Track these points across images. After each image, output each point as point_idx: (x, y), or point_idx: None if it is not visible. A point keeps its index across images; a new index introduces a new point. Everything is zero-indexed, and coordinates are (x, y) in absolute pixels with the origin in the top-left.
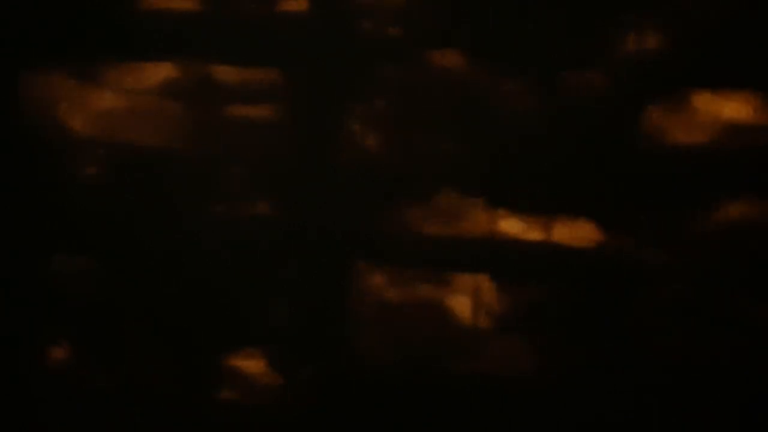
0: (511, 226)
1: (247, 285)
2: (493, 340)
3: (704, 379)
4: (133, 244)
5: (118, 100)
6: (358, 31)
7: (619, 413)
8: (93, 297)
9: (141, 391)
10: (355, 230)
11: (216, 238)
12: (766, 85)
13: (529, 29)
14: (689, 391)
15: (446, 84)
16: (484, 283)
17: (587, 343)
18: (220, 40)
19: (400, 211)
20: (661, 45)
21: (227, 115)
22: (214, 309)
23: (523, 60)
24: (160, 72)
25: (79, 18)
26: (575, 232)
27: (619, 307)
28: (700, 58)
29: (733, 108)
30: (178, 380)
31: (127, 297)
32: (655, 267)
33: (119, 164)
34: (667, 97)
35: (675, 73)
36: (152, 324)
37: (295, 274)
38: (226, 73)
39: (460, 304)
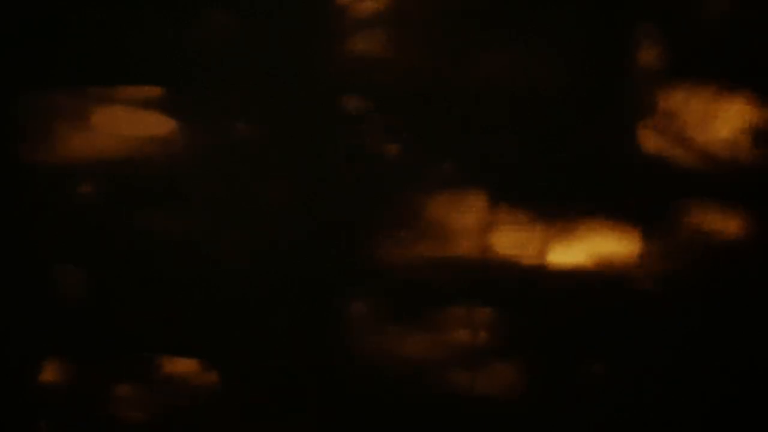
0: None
1: (245, 298)
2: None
3: (692, 401)
4: (130, 263)
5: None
6: None
7: None
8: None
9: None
10: (347, 252)
11: (214, 255)
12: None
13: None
14: (678, 411)
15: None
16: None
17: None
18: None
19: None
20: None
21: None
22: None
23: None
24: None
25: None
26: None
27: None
28: None
29: None
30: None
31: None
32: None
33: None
34: None
35: None
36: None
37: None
38: None
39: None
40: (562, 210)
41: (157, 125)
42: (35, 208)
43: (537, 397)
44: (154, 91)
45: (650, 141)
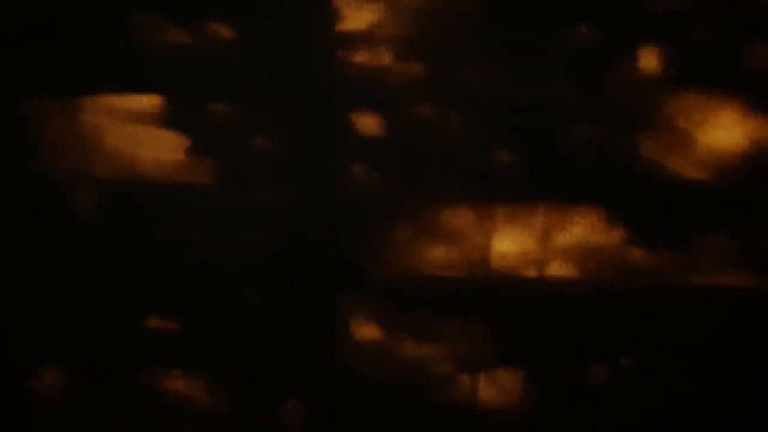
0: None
1: (242, 311)
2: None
3: (696, 406)
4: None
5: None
6: None
7: None
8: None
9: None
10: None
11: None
12: None
13: None
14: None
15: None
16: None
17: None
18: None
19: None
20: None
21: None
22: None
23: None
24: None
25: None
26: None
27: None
28: None
29: None
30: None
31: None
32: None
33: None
34: None
35: None
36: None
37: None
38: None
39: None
40: (562, 219)
41: (156, 134)
42: (31, 216)
43: (539, 406)
44: (153, 100)
45: (648, 150)
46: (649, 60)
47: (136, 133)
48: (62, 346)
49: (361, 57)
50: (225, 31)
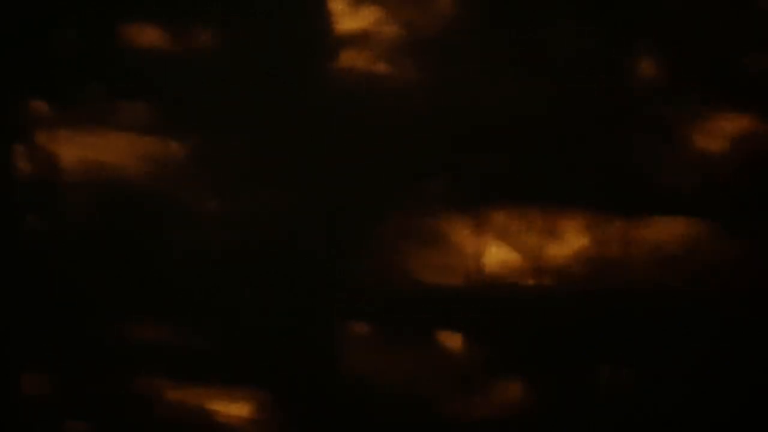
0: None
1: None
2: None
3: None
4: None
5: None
6: None
7: None
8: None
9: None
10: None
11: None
12: None
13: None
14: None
15: None
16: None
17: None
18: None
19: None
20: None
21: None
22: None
23: None
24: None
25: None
26: None
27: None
28: None
29: None
30: None
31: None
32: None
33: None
34: None
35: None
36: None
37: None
38: None
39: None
40: (559, 223)
41: (149, 140)
42: (25, 221)
43: (538, 413)
44: (146, 106)
45: (641, 154)
46: (648, 62)
47: (130, 138)
48: (57, 349)
49: (357, 60)
50: (220, 36)
